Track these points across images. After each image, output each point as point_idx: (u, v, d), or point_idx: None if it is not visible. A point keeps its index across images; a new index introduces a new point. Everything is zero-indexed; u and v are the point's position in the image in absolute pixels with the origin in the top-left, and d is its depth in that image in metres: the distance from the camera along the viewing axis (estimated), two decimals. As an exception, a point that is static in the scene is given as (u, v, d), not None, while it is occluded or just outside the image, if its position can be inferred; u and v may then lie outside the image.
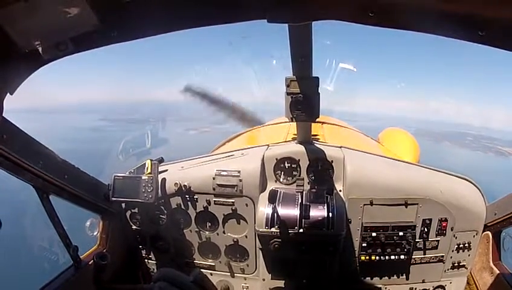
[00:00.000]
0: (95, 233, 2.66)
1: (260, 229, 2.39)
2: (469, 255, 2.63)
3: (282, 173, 2.69)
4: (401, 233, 2.50)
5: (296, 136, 2.84)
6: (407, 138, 4.64)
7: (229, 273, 2.85)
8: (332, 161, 2.61)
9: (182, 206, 2.72)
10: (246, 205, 2.62)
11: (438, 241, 2.58)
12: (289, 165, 2.68)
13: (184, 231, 2.79)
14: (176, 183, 2.63)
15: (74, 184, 2.21)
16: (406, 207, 2.50)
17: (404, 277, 2.68)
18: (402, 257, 2.57)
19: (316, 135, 3.23)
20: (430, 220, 2.52)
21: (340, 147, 2.72)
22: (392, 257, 2.57)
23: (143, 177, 2.57)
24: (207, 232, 2.76)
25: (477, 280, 2.64)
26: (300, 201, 2.41)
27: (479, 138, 43.05)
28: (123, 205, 2.80)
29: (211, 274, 2.85)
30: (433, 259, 2.63)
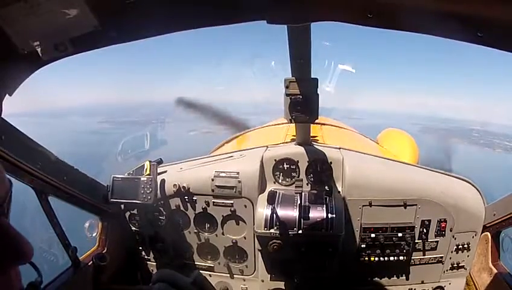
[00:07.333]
0: (94, 234, 2.65)
1: (259, 231, 2.39)
2: (468, 256, 2.63)
3: (281, 174, 2.69)
4: (400, 234, 2.50)
5: (295, 137, 2.84)
6: (406, 139, 4.64)
7: (228, 275, 2.84)
8: (331, 162, 2.61)
9: (181, 208, 2.71)
10: (245, 206, 2.61)
11: (437, 242, 2.58)
12: (288, 166, 2.67)
13: (183, 232, 2.78)
14: (174, 185, 2.63)
15: (73, 185, 2.20)
16: (405, 208, 2.50)
17: (404, 277, 2.68)
18: (401, 257, 2.57)
19: (315, 136, 3.22)
20: (429, 221, 2.53)
21: (339, 148, 2.73)
22: (391, 258, 2.57)
23: (142, 179, 2.56)
24: (206, 234, 2.75)
25: (476, 280, 2.64)
26: (299, 202, 2.41)
27: (485, 134, 42.39)
28: (122, 206, 2.79)
29: (210, 275, 2.84)
30: (432, 260, 2.63)
